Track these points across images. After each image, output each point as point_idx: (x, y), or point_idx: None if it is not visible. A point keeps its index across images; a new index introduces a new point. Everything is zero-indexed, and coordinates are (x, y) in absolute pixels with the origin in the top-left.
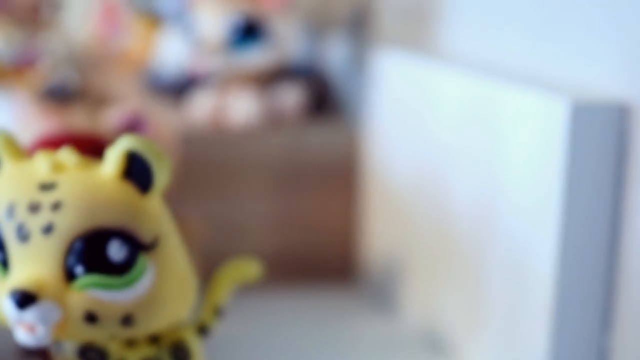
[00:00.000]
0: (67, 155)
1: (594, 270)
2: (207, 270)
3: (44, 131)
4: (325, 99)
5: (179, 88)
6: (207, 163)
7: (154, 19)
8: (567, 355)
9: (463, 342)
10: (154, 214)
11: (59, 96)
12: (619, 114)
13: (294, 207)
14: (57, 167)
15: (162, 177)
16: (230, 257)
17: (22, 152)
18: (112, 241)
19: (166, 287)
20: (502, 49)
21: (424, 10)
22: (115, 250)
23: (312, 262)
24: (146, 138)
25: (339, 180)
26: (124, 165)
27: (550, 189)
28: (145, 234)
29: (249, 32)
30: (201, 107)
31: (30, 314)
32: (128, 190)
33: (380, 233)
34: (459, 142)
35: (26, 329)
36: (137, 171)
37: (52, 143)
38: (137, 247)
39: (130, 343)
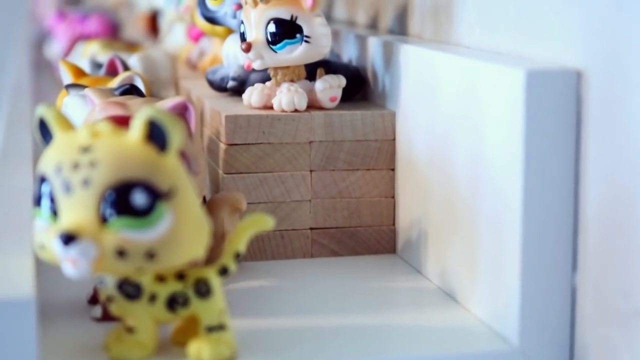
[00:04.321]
0: (103, 125)
1: (558, 217)
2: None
3: (108, 116)
4: (361, 88)
5: (239, 84)
6: (254, 144)
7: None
8: (539, 293)
9: (466, 291)
10: (171, 169)
11: (125, 93)
12: (576, 80)
13: (338, 182)
14: (94, 134)
15: (176, 139)
16: (274, 230)
17: (69, 124)
18: (135, 190)
19: (182, 229)
20: (493, 40)
21: (439, 12)
22: (138, 198)
23: (356, 236)
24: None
25: (380, 157)
26: (145, 130)
27: (515, 149)
28: (162, 185)
29: (287, 32)
30: (253, 98)
31: (73, 250)
32: (149, 150)
33: (409, 204)
34: (456, 114)
35: (70, 264)
36: (155, 134)
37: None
38: (156, 195)
39: (160, 279)
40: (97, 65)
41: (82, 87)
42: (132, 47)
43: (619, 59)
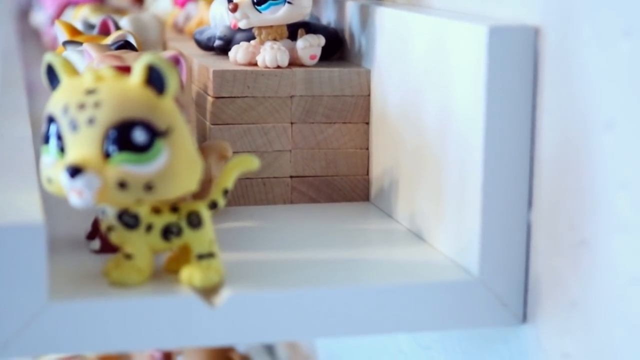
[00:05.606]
0: (106, 70)
1: (516, 161)
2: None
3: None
4: (339, 48)
5: (225, 43)
6: (239, 97)
7: None
8: (498, 229)
9: (433, 230)
10: (168, 110)
11: (119, 49)
12: (533, 36)
13: (317, 134)
14: (99, 78)
15: (173, 83)
16: (257, 177)
17: (75, 70)
18: (136, 129)
19: (178, 164)
20: (460, 2)
21: None
22: (139, 135)
23: (332, 184)
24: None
25: (356, 111)
26: (145, 74)
27: (478, 100)
28: (160, 124)
29: None
30: (238, 55)
31: (79, 182)
32: (148, 93)
33: (382, 154)
34: (426, 70)
35: (76, 194)
36: (154, 78)
37: None
38: (155, 133)
39: (156, 211)
40: (89, 26)
41: (79, 43)
42: (120, 11)
43: (570, 15)
